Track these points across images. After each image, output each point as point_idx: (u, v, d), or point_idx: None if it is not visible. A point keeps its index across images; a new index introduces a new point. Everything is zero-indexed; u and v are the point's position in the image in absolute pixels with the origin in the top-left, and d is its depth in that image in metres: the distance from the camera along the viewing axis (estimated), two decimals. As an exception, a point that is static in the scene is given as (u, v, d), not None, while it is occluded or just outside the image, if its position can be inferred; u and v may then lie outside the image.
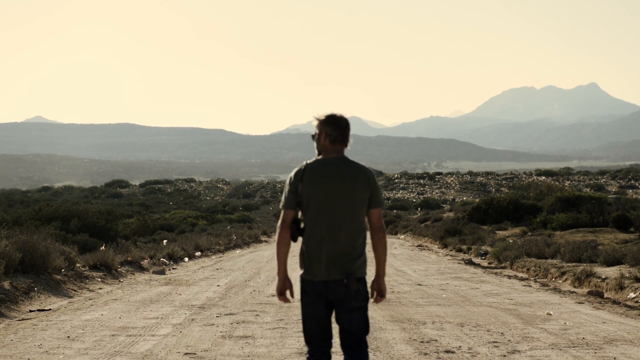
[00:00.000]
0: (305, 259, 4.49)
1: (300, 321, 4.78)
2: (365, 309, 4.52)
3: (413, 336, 8.22)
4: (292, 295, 4.57)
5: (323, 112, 4.57)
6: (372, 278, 4.65)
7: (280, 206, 4.54)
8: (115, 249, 19.10)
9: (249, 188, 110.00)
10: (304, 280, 4.50)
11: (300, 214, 4.52)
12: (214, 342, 7.92)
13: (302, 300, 4.54)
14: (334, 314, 4.58)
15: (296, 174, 4.47)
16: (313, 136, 4.59)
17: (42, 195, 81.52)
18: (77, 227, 24.10)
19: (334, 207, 4.44)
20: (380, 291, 4.59)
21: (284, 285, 4.54)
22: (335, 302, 4.48)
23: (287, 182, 4.50)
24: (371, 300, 4.58)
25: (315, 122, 4.57)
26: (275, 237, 4.52)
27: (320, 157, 4.54)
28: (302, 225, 4.50)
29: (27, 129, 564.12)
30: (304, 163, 4.51)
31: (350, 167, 4.48)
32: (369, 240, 4.64)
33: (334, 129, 4.48)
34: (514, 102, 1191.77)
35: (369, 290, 4.59)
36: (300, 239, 4.56)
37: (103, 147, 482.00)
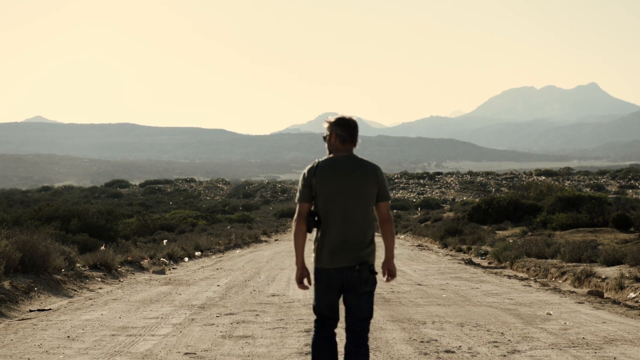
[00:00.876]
0: (321, 249, 4.90)
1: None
2: (372, 294, 4.95)
3: (413, 336, 8.22)
4: (309, 283, 4.98)
5: (333, 116, 4.97)
6: (382, 260, 5.06)
7: (296, 200, 4.94)
8: (115, 248, 19.10)
9: (249, 188, 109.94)
10: (318, 269, 4.93)
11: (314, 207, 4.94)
12: (214, 342, 7.92)
13: (316, 287, 4.96)
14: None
15: (309, 170, 4.89)
16: (324, 137, 5.03)
17: (42, 195, 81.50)
18: (77, 227, 24.10)
19: (345, 200, 4.86)
20: (390, 271, 4.99)
21: (302, 274, 4.96)
22: (347, 286, 4.89)
23: (301, 178, 4.94)
24: (383, 279, 5.02)
25: (326, 125, 4.99)
26: (292, 229, 4.90)
27: (331, 155, 4.94)
28: (317, 217, 4.91)
29: (27, 129, 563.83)
30: (317, 160, 4.93)
31: (359, 164, 4.90)
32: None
33: (343, 129, 4.90)
34: (514, 102, 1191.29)
35: (381, 270, 5.02)
36: (314, 229, 4.97)
37: (103, 147, 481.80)
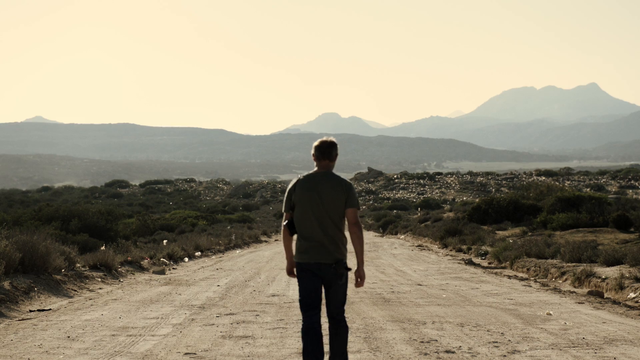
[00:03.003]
0: (300, 247, 5.95)
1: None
2: (346, 286, 6.01)
3: (413, 336, 8.23)
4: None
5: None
6: (355, 268, 6.01)
7: (283, 210, 6.10)
8: (116, 249, 19.09)
9: (249, 188, 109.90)
10: (299, 263, 5.95)
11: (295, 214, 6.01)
12: (214, 342, 7.93)
13: (299, 277, 5.97)
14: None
15: (291, 186, 6.02)
16: (313, 155, 6.14)
17: (42, 196, 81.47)
18: (77, 227, 24.10)
19: (319, 209, 5.92)
20: (360, 277, 5.99)
21: (291, 266, 6.07)
22: (325, 281, 5.93)
23: (286, 192, 6.03)
24: (354, 286, 6.02)
25: None
26: (281, 233, 6.13)
27: (312, 171, 6.06)
28: (293, 223, 5.99)
29: (27, 129, 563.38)
30: (298, 177, 6.04)
31: (331, 179, 5.98)
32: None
33: (316, 150, 6.05)
34: (514, 102, 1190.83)
35: (353, 277, 6.19)
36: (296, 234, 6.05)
37: (103, 147, 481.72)
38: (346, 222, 6.01)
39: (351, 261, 6.36)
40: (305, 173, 6.09)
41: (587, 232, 23.17)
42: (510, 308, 10.60)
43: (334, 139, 6.09)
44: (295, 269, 6.00)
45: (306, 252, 5.90)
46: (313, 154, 6.06)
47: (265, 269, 18.06)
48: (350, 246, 6.16)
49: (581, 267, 14.46)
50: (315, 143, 6.07)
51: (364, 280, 6.02)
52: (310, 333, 5.87)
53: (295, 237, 6.08)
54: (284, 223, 6.02)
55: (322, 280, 5.93)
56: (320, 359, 5.86)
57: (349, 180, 6.04)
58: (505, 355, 7.20)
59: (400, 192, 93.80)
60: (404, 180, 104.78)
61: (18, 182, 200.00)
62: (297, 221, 5.96)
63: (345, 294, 6.01)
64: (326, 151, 6.01)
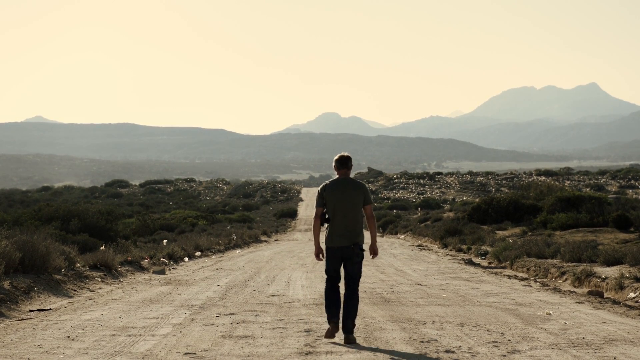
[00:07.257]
0: (330, 235, 7.97)
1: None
2: (361, 263, 8.07)
3: (413, 336, 8.23)
4: (323, 256, 8.07)
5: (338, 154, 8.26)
6: (369, 244, 8.18)
7: (315, 206, 8.10)
8: (115, 248, 19.07)
9: (249, 188, 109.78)
10: (328, 247, 8.01)
11: (326, 209, 8.03)
12: (214, 342, 7.93)
13: (327, 257, 8.02)
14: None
15: (322, 187, 8.06)
16: (334, 166, 8.17)
17: (42, 195, 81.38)
18: (77, 227, 24.08)
19: (344, 205, 7.95)
20: (374, 251, 8.15)
21: (318, 250, 8.11)
22: (346, 258, 7.98)
23: (317, 192, 8.05)
24: (370, 256, 8.16)
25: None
26: (313, 223, 8.17)
27: (335, 178, 8.08)
28: (327, 216, 7.99)
29: (27, 129, 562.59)
30: (326, 182, 8.06)
31: (352, 183, 8.07)
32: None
33: (336, 162, 8.14)
34: (514, 102, 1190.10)
35: (367, 251, 8.12)
36: (325, 224, 8.05)
37: (103, 147, 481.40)
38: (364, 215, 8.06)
39: (368, 249, 8.13)
40: (331, 179, 8.07)
41: (587, 232, 23.18)
42: (510, 308, 10.61)
43: (349, 154, 8.17)
44: (321, 253, 8.03)
45: (334, 238, 7.90)
46: (334, 165, 8.11)
47: (265, 268, 18.07)
48: (367, 233, 8.06)
49: (581, 267, 14.46)
50: (336, 157, 8.16)
51: (377, 254, 8.12)
52: (331, 286, 7.96)
53: (323, 228, 8.03)
54: (315, 215, 7.98)
55: (342, 260, 7.93)
56: (338, 300, 7.89)
57: (364, 183, 8.10)
58: (505, 355, 7.20)
59: (400, 192, 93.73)
60: (404, 180, 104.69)
61: (18, 182, 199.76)
62: (329, 214, 7.93)
63: (360, 270, 8.04)
64: (344, 162, 8.07)
